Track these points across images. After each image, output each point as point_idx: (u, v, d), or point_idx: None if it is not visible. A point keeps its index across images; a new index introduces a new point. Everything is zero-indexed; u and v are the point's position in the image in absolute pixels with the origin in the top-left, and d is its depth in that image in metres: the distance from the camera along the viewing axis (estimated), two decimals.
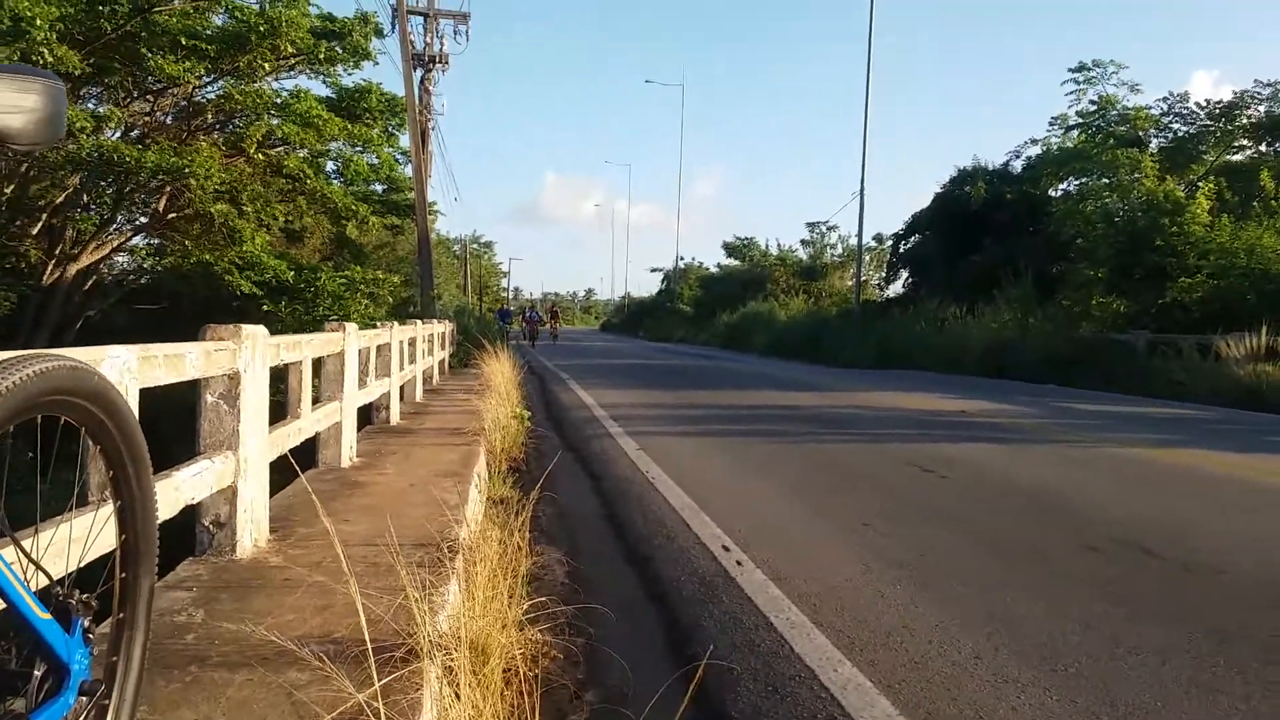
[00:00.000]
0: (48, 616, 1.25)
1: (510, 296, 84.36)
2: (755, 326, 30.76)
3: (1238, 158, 21.13)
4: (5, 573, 1.17)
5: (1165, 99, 22.26)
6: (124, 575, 1.58)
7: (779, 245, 45.08)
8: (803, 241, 43.75)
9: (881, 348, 20.58)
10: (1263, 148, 21.07)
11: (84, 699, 1.33)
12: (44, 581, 1.38)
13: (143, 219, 14.02)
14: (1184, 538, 4.20)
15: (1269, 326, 12.27)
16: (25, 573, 1.30)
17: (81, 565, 1.57)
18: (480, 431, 6.43)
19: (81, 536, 1.62)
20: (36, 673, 1.22)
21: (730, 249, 48.16)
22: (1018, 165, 26.03)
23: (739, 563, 3.67)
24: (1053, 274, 21.06)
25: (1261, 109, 20.85)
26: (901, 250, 29.34)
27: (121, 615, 1.57)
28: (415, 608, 2.22)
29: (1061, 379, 14.59)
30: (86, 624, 1.37)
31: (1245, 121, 21.22)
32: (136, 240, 14.60)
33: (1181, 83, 53.85)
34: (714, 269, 50.36)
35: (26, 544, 1.38)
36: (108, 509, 1.58)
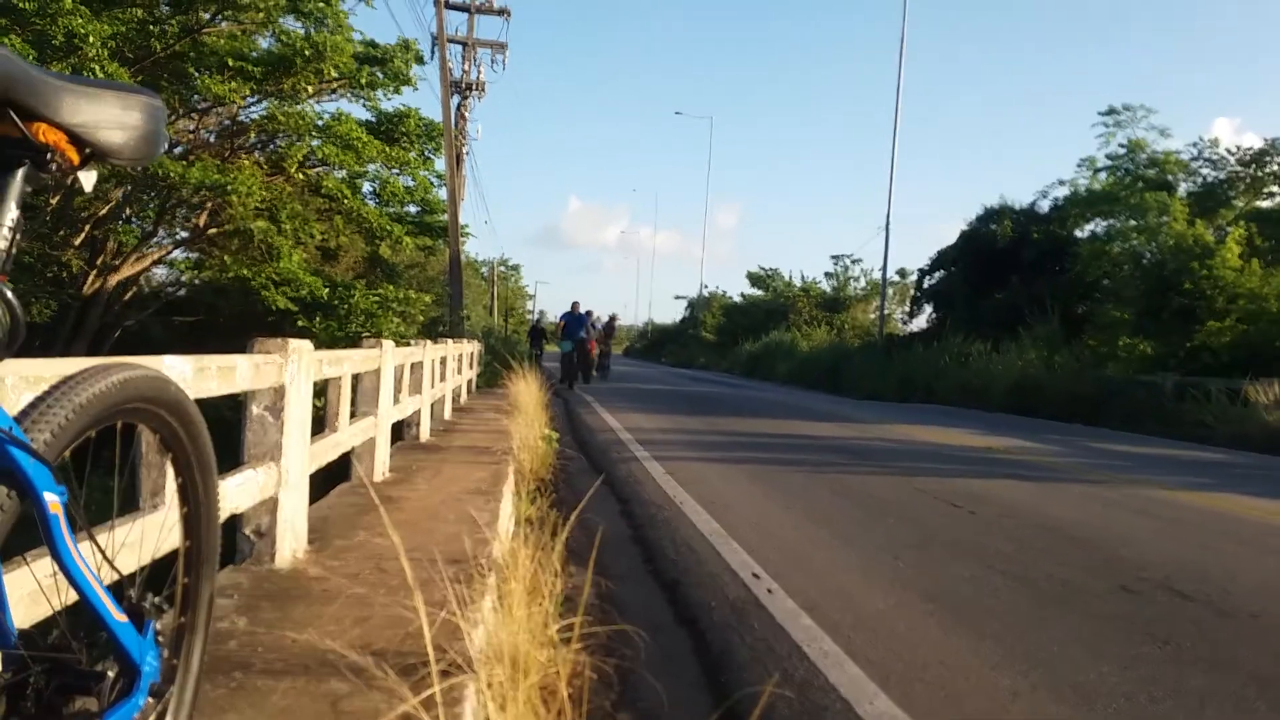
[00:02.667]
0: (124, 619, 1.27)
1: (535, 318, 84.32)
2: (777, 355, 30.74)
3: (1267, 204, 20.99)
4: (86, 574, 1.20)
5: (1195, 144, 22.20)
6: (187, 580, 1.61)
7: (803, 277, 45.08)
8: (826, 274, 43.73)
9: (904, 381, 20.50)
10: None
11: (152, 700, 1.36)
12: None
13: (184, 233, 14.27)
14: (1218, 581, 4.16)
15: None
16: (100, 570, 1.34)
17: (148, 566, 1.61)
18: (509, 451, 6.47)
19: (148, 539, 1.66)
20: (110, 673, 1.24)
21: (754, 279, 48.20)
22: (1045, 205, 25.97)
23: (769, 590, 3.66)
24: (1078, 314, 20.94)
25: None
26: (926, 285, 29.26)
27: (184, 619, 1.60)
28: (460, 621, 2.24)
29: (1087, 419, 14.47)
30: (158, 626, 1.40)
31: (1276, 168, 21.11)
32: (176, 253, 14.86)
33: (1204, 128, 53.90)
34: (737, 298, 50.39)
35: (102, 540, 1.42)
36: (174, 513, 1.62)
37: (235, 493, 2.81)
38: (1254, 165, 21.37)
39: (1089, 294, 21.83)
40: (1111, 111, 22.82)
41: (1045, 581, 4.04)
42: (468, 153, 21.60)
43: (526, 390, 9.68)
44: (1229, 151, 21.55)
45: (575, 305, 19.71)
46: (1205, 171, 22.06)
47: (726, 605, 3.50)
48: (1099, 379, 16.28)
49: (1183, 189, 21.78)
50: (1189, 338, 16.03)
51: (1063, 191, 25.06)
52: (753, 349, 33.80)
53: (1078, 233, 24.31)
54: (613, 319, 24.20)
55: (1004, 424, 13.51)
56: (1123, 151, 22.86)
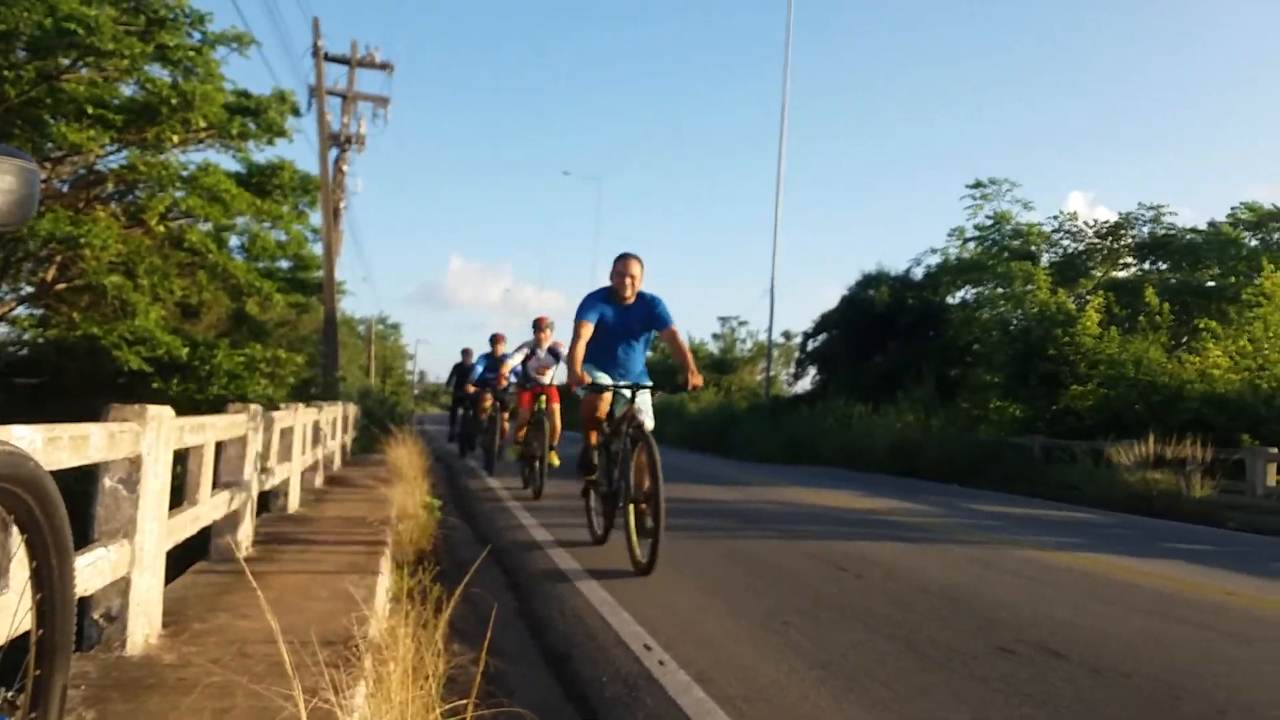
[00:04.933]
0: None
1: (416, 379, 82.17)
2: (667, 417, 30.92)
3: (1123, 274, 22.61)
4: None
5: (1056, 217, 23.86)
6: (39, 673, 1.46)
7: (689, 338, 45.84)
8: (714, 335, 44.60)
9: (791, 443, 20.90)
10: (1146, 265, 22.62)
11: None
12: None
13: (29, 288, 13.39)
14: (1090, 640, 4.29)
15: (1156, 435, 12.91)
16: None
17: None
18: (387, 521, 6.21)
19: None
20: None
21: None
22: (919, 272, 27.28)
23: (661, 662, 3.57)
24: (952, 377, 21.91)
25: (1145, 230, 22.49)
26: (810, 348, 30.15)
27: (34, 715, 1.44)
28: (334, 709, 2.07)
29: (963, 479, 15.02)
30: None
31: (1130, 241, 22.83)
32: (19, 310, 13.90)
33: (1061, 200, 58.11)
34: None
35: None
36: (15, 598, 1.46)
37: (85, 573, 2.56)
38: (1110, 237, 23.07)
39: (961, 358, 22.93)
40: (978, 185, 24.33)
41: (928, 645, 4.08)
42: (346, 207, 21.17)
43: (405, 455, 9.39)
44: (1087, 224, 23.23)
45: (468, 354, 14.94)
46: (1066, 243, 23.68)
47: (619, 680, 3.39)
48: (973, 441, 16.97)
49: (1045, 259, 23.28)
50: (1055, 401, 16.94)
51: (935, 259, 26.45)
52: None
53: (950, 299, 25.62)
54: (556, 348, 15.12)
55: (886, 485, 13.87)
56: (989, 223, 24.35)
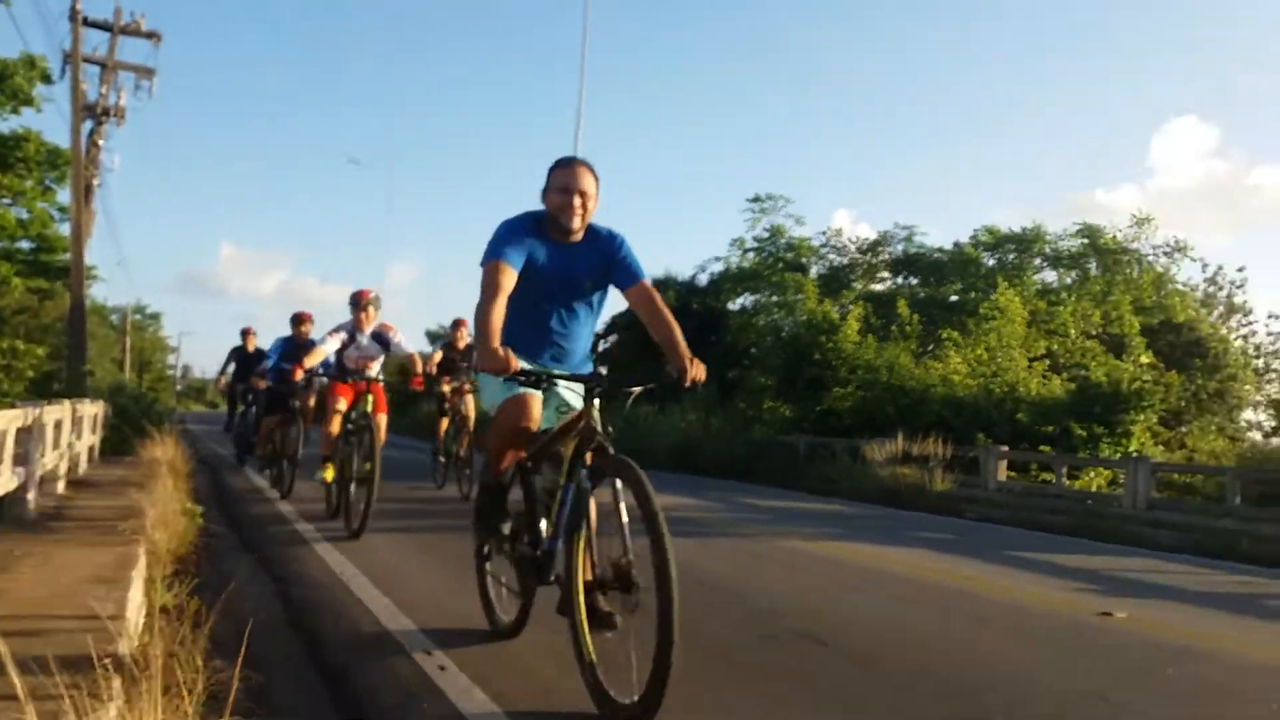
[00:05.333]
0: None
1: (179, 374, 75.80)
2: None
3: (880, 287, 24.68)
4: None
5: (824, 233, 25.69)
6: None
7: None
8: None
9: None
10: (900, 280, 24.81)
11: None
12: None
13: None
14: (845, 625, 4.68)
15: (905, 434, 14.19)
16: None
17: None
18: (140, 529, 5.72)
19: None
20: None
21: (432, 336, 47.49)
22: (703, 279, 28.43)
23: (442, 667, 3.53)
24: (731, 379, 23.02)
25: (899, 248, 24.67)
26: (601, 349, 30.65)
27: None
28: None
29: (741, 475, 15.83)
30: None
31: (886, 257, 24.97)
32: None
33: (829, 217, 62.65)
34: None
35: None
36: None
37: None
38: (870, 254, 25.13)
39: (740, 361, 24.14)
40: (757, 199, 25.75)
41: (701, 636, 4.29)
42: (100, 185, 19.17)
43: (165, 457, 8.69)
44: (850, 241, 25.19)
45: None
46: (832, 257, 25.56)
47: (398, 688, 3.32)
48: (748, 440, 17.93)
49: (814, 271, 25.01)
50: (819, 402, 18.21)
51: (718, 267, 27.68)
52: (429, 410, 33.19)
53: (731, 305, 26.91)
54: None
55: (671, 482, 14.36)
56: (766, 235, 25.82)
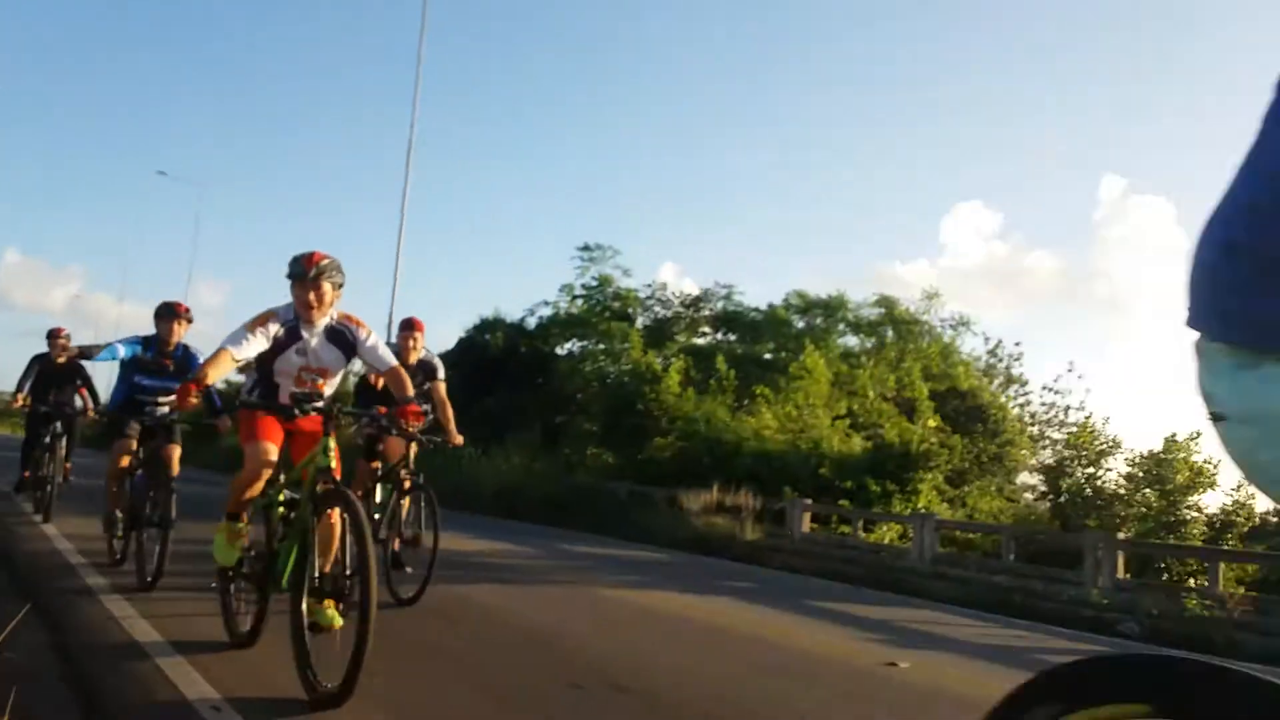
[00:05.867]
0: None
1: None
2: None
3: (702, 341, 25.63)
4: None
5: (650, 285, 26.49)
6: None
7: None
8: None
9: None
10: (719, 335, 25.87)
11: None
12: None
13: None
14: (648, 673, 4.86)
15: (719, 485, 14.78)
16: None
17: None
18: None
19: None
20: None
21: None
22: (533, 321, 28.52)
23: (216, 708, 3.42)
24: (557, 424, 23.17)
25: (720, 305, 25.77)
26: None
27: None
28: None
29: (562, 522, 15.90)
30: None
31: (708, 312, 26.00)
32: None
33: (656, 269, 64.55)
34: (221, 385, 46.39)
35: None
36: None
37: None
38: (692, 308, 26.09)
39: (565, 407, 24.34)
40: (587, 248, 26.23)
41: (508, 685, 4.36)
42: None
43: None
44: (675, 295, 26.10)
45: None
46: (658, 309, 26.33)
47: None
48: (571, 485, 18.07)
49: (640, 321, 25.67)
50: (640, 450, 18.65)
51: (547, 311, 27.86)
52: (231, 444, 31.33)
53: (558, 350, 27.13)
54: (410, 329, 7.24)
55: (492, 527, 14.24)
56: (595, 284, 26.29)
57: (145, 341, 6.98)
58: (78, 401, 10.11)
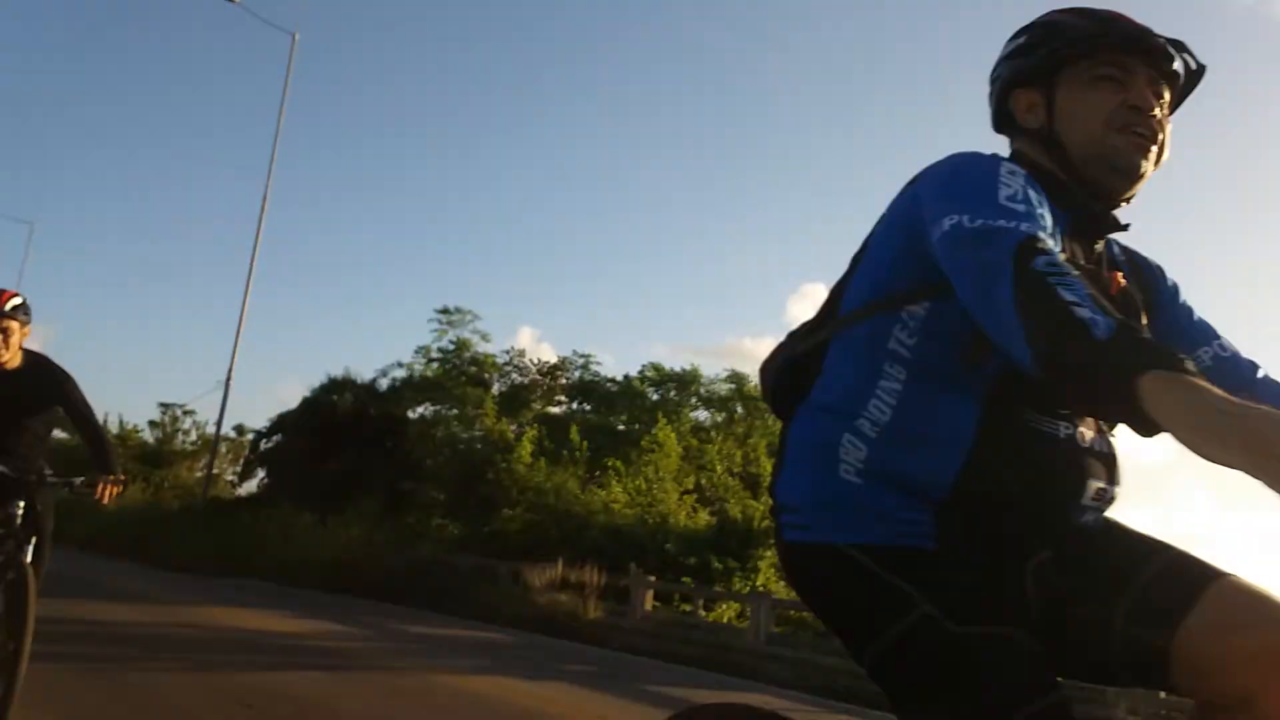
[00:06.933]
0: None
1: None
2: (73, 516, 26.65)
3: (557, 410, 25.66)
4: None
5: (508, 351, 26.42)
6: None
7: (121, 422, 40.24)
8: (151, 422, 39.79)
9: (225, 551, 19.45)
10: (575, 405, 25.97)
11: None
12: None
13: None
14: None
15: (566, 559, 14.71)
16: None
17: None
18: None
19: None
20: None
21: None
22: (384, 383, 27.81)
23: None
24: (403, 491, 22.53)
25: (577, 374, 25.95)
26: (263, 448, 28.65)
27: None
28: None
29: (401, 598, 15.38)
30: None
31: (565, 381, 26.11)
32: None
33: (514, 333, 64.35)
34: None
35: None
36: None
37: None
38: (549, 376, 26.14)
39: (413, 472, 23.73)
40: (445, 311, 25.97)
41: None
42: None
43: None
44: (532, 362, 26.10)
45: None
46: (514, 375, 26.22)
47: None
48: (412, 558, 17.53)
49: (496, 388, 25.48)
50: (488, 522, 18.37)
51: (401, 373, 27.26)
52: None
53: (410, 414, 26.51)
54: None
55: (322, 604, 13.62)
56: (452, 348, 25.99)
57: None
58: None
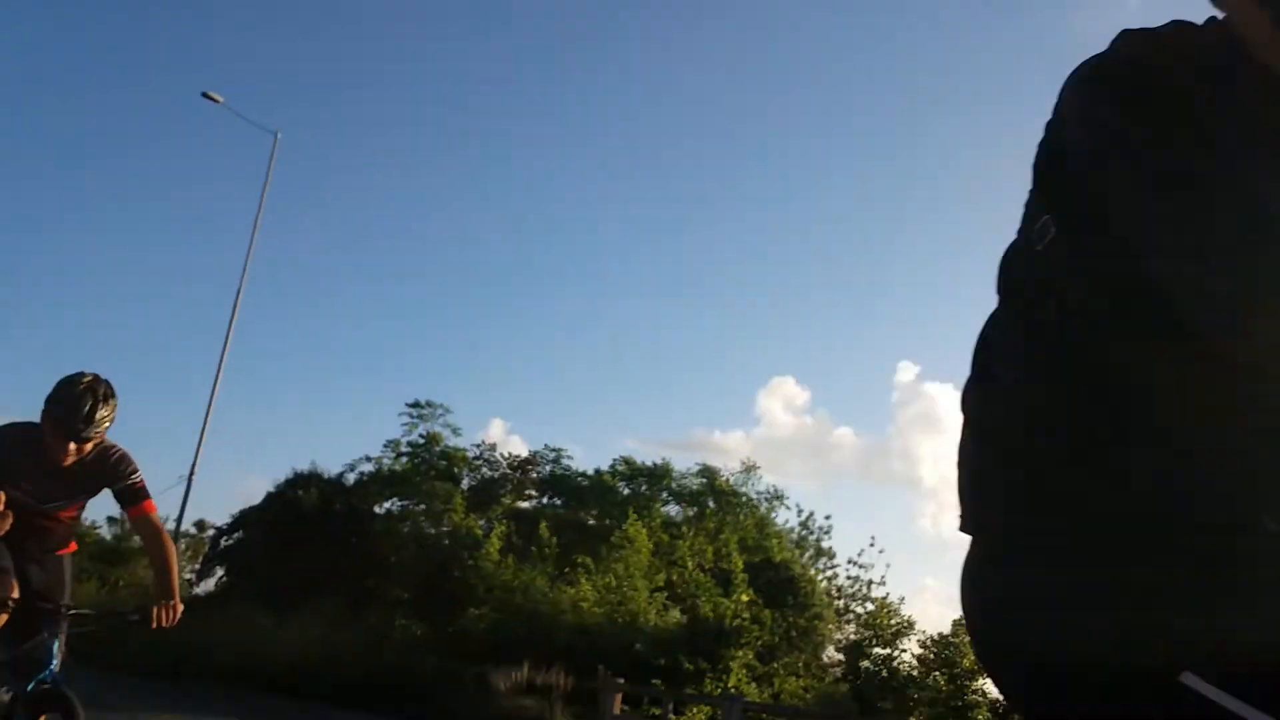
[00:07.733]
0: None
1: None
2: None
3: (526, 505, 25.43)
4: None
5: (479, 445, 26.30)
6: None
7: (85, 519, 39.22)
8: (110, 518, 38.85)
9: (176, 653, 18.79)
10: (545, 500, 25.78)
11: None
12: None
13: None
14: None
15: (532, 661, 14.38)
16: None
17: None
18: None
19: None
20: None
21: None
22: (352, 477, 27.47)
23: None
24: (368, 589, 22.05)
25: (547, 468, 25.83)
26: (223, 545, 28.00)
27: None
28: None
29: (363, 704, 14.91)
30: None
31: (535, 475, 25.96)
32: None
33: (485, 425, 63.79)
34: None
35: None
36: None
37: None
38: (519, 470, 25.98)
39: (378, 569, 23.28)
40: (417, 405, 25.91)
41: None
42: None
43: None
44: (502, 457, 25.98)
45: None
46: (485, 470, 26.04)
47: None
48: (374, 661, 17.02)
49: (466, 482, 25.26)
50: (453, 621, 17.97)
51: (369, 468, 26.97)
52: None
53: (377, 509, 26.14)
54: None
55: (280, 712, 13.18)
56: (422, 442, 25.83)
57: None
58: None
